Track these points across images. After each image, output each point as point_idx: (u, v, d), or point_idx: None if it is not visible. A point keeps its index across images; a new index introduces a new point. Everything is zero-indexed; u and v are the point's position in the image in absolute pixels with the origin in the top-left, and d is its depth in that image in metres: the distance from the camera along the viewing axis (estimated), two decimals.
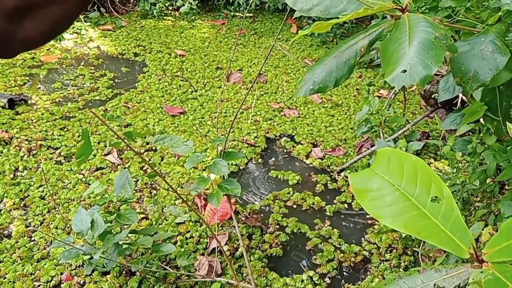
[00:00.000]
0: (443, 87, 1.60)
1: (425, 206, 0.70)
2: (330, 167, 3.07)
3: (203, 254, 2.30)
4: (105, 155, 3.00)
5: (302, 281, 2.19)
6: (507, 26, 1.15)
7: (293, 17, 5.19)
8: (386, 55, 0.98)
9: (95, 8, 5.22)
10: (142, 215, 2.52)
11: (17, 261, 2.19)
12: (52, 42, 4.60)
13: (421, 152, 3.16)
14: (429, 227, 0.68)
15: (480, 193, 2.11)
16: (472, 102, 1.50)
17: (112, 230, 2.00)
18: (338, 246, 2.43)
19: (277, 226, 2.54)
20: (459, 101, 2.83)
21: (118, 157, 3.00)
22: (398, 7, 1.05)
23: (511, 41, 1.13)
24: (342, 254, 2.36)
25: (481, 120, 1.68)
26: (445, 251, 1.95)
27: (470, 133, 1.98)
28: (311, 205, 2.71)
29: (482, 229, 1.55)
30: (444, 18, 1.23)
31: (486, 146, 1.73)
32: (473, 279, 0.71)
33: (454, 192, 2.03)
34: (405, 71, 0.92)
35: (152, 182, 2.80)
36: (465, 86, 1.15)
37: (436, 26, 0.96)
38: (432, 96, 3.01)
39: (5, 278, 2.10)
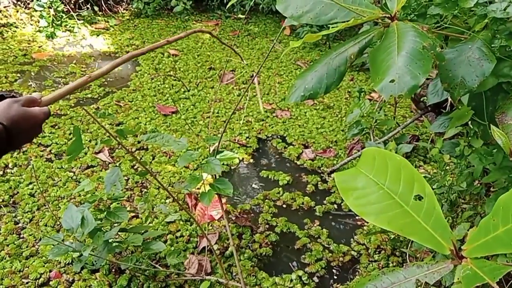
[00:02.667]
0: (432, 91, 1.63)
1: (408, 204, 0.72)
2: (321, 168, 3.09)
3: (193, 253, 2.31)
4: (96, 153, 2.99)
5: (291, 280, 2.21)
6: (493, 33, 1.18)
7: (284, 24, 5.22)
8: (375, 64, 1.00)
9: (88, 6, 5.20)
10: (132, 214, 2.53)
11: (5, 258, 2.19)
12: (44, 39, 4.58)
13: (411, 155, 3.20)
14: (412, 225, 0.71)
15: (467, 195, 2.14)
16: (460, 106, 1.53)
17: (102, 228, 2.00)
18: (327, 245, 2.45)
19: (267, 226, 2.55)
20: (448, 104, 2.87)
21: (109, 155, 2.99)
22: (387, 16, 1.07)
23: (497, 47, 1.16)
24: (330, 254, 2.39)
25: (469, 123, 1.71)
26: (431, 251, 1.98)
27: (458, 136, 2.01)
28: (301, 205, 2.73)
29: (468, 230, 1.58)
30: (433, 24, 1.25)
31: (473, 148, 1.76)
32: (458, 278, 0.73)
33: (442, 194, 2.06)
34: (393, 81, 0.94)
35: (143, 181, 2.80)
36: (452, 92, 1.17)
37: (424, 36, 0.98)
38: (422, 100, 3.05)
39: None
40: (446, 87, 1.15)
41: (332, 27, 1.01)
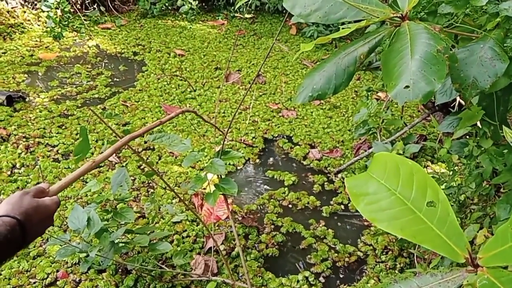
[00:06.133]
0: (440, 90, 1.60)
1: (421, 211, 0.71)
2: (328, 168, 3.08)
3: (199, 253, 2.31)
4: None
5: (298, 281, 2.20)
6: (505, 32, 1.16)
7: (291, 22, 5.20)
8: (388, 68, 0.98)
9: (95, 6, 5.21)
10: (139, 214, 2.53)
11: (12, 258, 2.19)
12: (51, 40, 4.59)
13: (418, 155, 3.17)
14: (425, 232, 0.69)
15: (476, 195, 2.11)
16: (470, 107, 1.51)
17: (109, 228, 2.00)
18: (333, 246, 2.44)
19: (272, 226, 2.54)
20: (456, 104, 2.85)
21: (116, 155, 3.00)
22: (398, 15, 1.05)
23: (510, 47, 1.14)
24: (336, 254, 2.37)
25: (478, 123, 1.69)
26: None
27: (467, 136, 1.99)
28: (306, 205, 2.72)
29: (477, 232, 1.56)
30: (444, 23, 1.23)
31: (482, 149, 1.74)
32: (467, 281, 0.72)
33: (450, 195, 2.04)
34: (408, 86, 0.91)
35: (150, 181, 2.80)
36: (464, 92, 1.15)
37: (437, 38, 0.95)
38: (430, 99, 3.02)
39: (0, 274, 2.09)
40: (458, 88, 1.12)
41: (343, 28, 0.99)
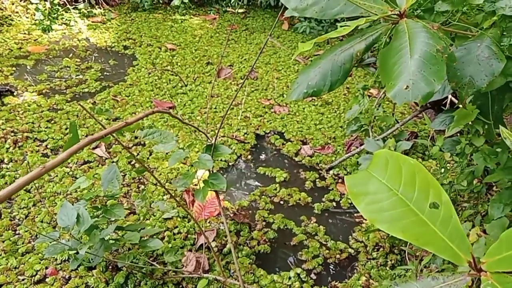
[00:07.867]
0: None
1: (424, 212, 0.69)
2: (319, 165, 3.07)
3: (190, 250, 2.29)
4: (93, 148, 2.96)
5: (289, 278, 2.20)
6: (501, 31, 1.15)
7: (285, 15, 5.17)
8: (386, 67, 0.96)
9: None
10: (129, 210, 2.50)
11: (1, 255, 2.16)
12: (40, 32, 4.52)
13: (409, 152, 3.18)
14: (427, 234, 0.67)
15: (467, 193, 2.12)
16: (462, 103, 1.51)
17: (99, 225, 1.98)
18: (324, 243, 2.44)
19: (264, 223, 2.53)
20: (448, 101, 2.86)
21: (106, 151, 2.96)
22: (396, 12, 1.03)
23: (506, 46, 1.13)
24: (327, 251, 2.37)
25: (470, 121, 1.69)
26: None
27: (459, 134, 1.99)
28: (298, 201, 2.71)
29: (470, 230, 1.57)
30: (440, 20, 1.22)
31: (474, 147, 1.74)
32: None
33: None
34: (407, 87, 0.90)
35: (140, 177, 2.77)
36: (460, 91, 1.14)
37: (436, 37, 0.94)
38: None
39: None
40: (454, 86, 1.12)
41: (341, 26, 0.97)
